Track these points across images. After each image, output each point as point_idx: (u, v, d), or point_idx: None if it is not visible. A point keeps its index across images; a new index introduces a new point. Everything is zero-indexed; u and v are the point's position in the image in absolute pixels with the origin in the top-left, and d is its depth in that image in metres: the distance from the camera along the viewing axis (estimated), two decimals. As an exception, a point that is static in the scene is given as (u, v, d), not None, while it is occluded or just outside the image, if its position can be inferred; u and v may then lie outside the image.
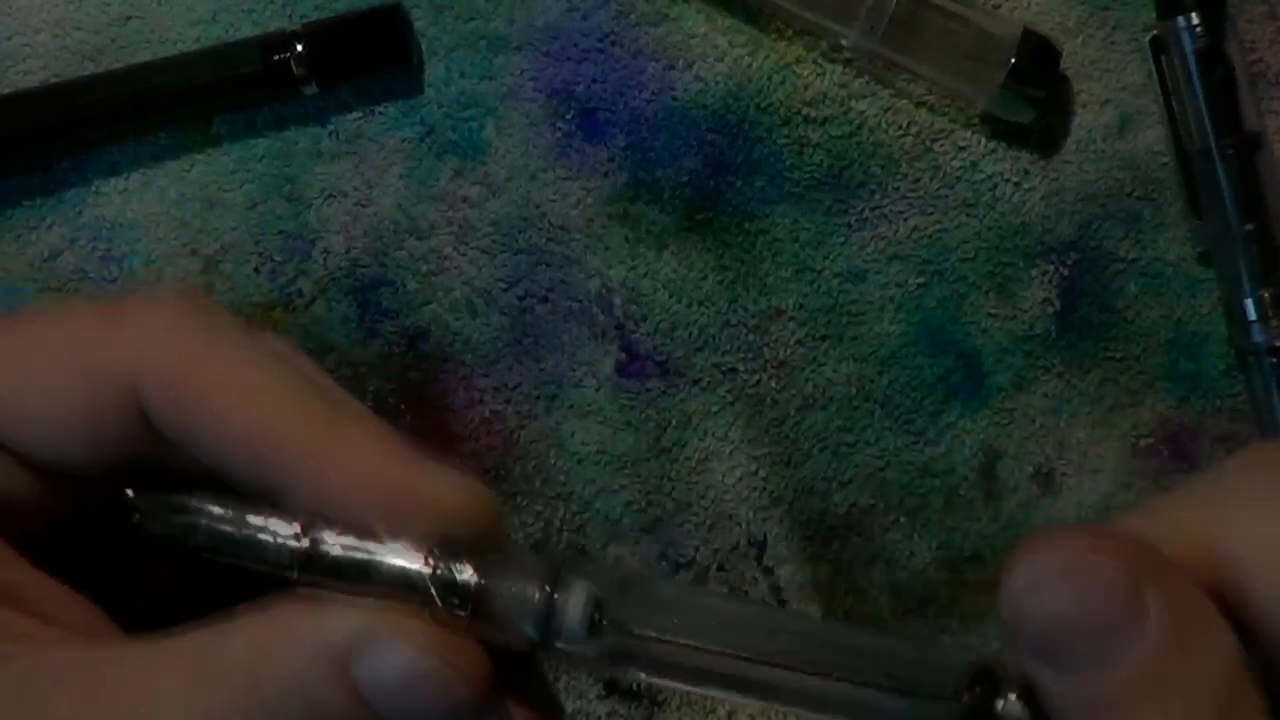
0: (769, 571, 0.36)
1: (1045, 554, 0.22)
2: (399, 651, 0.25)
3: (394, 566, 0.25)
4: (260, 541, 0.26)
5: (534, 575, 0.25)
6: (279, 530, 0.26)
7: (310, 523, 0.26)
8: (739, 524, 0.36)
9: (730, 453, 0.36)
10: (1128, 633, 0.22)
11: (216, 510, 0.26)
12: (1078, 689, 0.22)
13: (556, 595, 0.25)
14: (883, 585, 0.37)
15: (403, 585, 0.25)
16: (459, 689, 0.25)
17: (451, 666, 0.25)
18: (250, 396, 0.26)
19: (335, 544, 0.25)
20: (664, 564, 0.36)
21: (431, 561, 0.25)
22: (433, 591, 0.25)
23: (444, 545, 0.26)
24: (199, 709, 0.25)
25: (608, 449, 0.36)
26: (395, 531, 0.26)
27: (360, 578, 0.25)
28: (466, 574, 0.25)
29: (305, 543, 0.25)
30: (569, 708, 0.36)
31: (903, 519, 0.37)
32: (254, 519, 0.26)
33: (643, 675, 0.26)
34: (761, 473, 0.36)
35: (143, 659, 0.26)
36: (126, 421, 0.26)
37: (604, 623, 0.25)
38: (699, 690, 0.26)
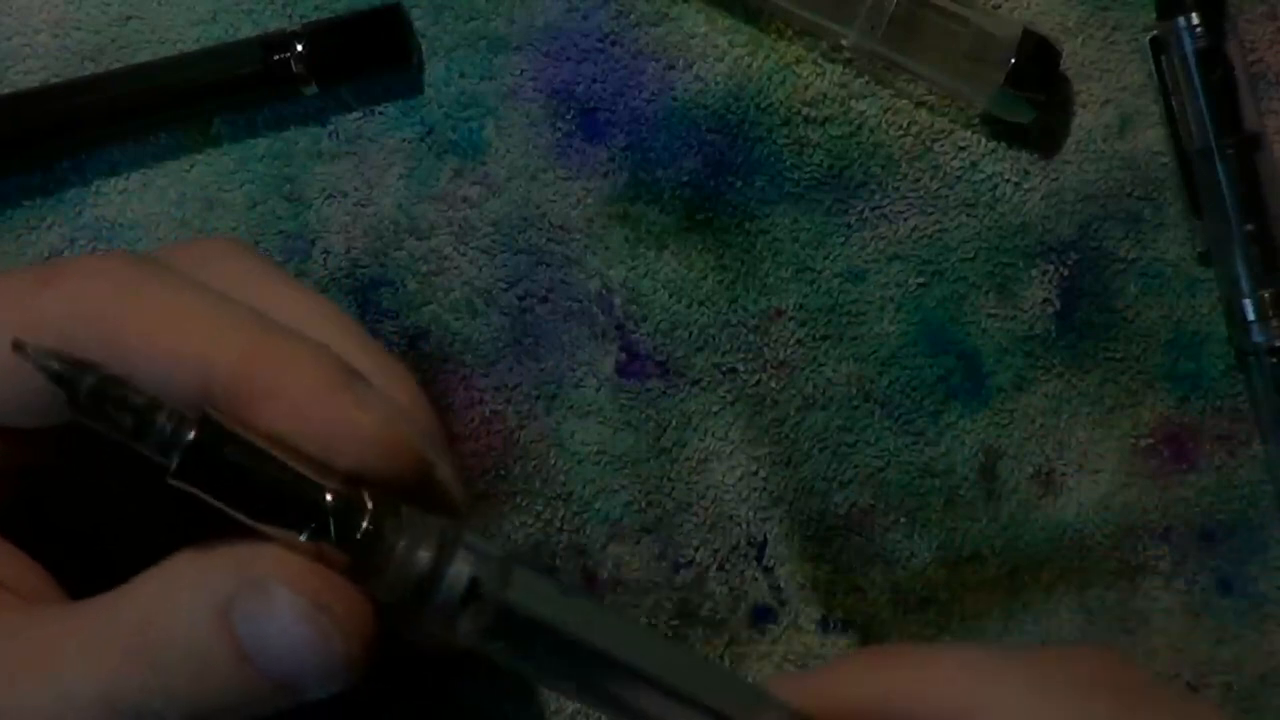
0: (769, 571, 0.37)
1: None
2: (278, 597, 0.24)
3: (281, 485, 0.24)
4: (144, 419, 0.23)
5: (424, 536, 0.25)
6: (168, 417, 0.23)
7: (208, 422, 0.23)
8: (739, 524, 0.36)
9: (730, 453, 0.36)
10: None
11: (110, 376, 0.24)
12: None
13: (442, 561, 0.24)
14: (883, 585, 0.37)
15: (287, 510, 0.24)
16: (340, 639, 0.24)
17: (334, 617, 0.24)
18: (178, 326, 0.25)
19: (226, 448, 0.23)
20: (664, 564, 0.36)
21: (327, 497, 0.24)
22: (322, 522, 0.24)
23: (343, 484, 0.24)
24: (99, 674, 0.24)
25: (608, 449, 0.36)
26: (298, 454, 0.24)
27: (240, 492, 0.24)
28: (360, 518, 0.24)
29: (192, 435, 0.23)
30: (569, 708, 0.36)
31: (903, 519, 0.37)
32: (144, 393, 0.23)
33: (506, 657, 0.25)
34: (761, 473, 0.36)
35: (53, 624, 0.25)
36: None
37: (481, 596, 0.24)
38: (550, 685, 0.25)
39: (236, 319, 0.25)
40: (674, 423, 0.36)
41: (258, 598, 0.24)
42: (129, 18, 0.36)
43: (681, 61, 0.37)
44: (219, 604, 0.24)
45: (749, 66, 0.37)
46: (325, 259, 0.36)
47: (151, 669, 0.24)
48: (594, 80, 0.37)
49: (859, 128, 0.37)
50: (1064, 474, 0.37)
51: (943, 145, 0.37)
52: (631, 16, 0.37)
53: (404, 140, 0.36)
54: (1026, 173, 0.37)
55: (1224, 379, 0.37)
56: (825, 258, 0.37)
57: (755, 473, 0.36)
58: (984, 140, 0.37)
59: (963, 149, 0.37)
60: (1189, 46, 0.36)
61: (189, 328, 0.25)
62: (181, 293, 0.26)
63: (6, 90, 0.36)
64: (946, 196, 0.37)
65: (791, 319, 0.37)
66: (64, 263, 0.27)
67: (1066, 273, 0.37)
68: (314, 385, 0.25)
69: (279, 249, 0.36)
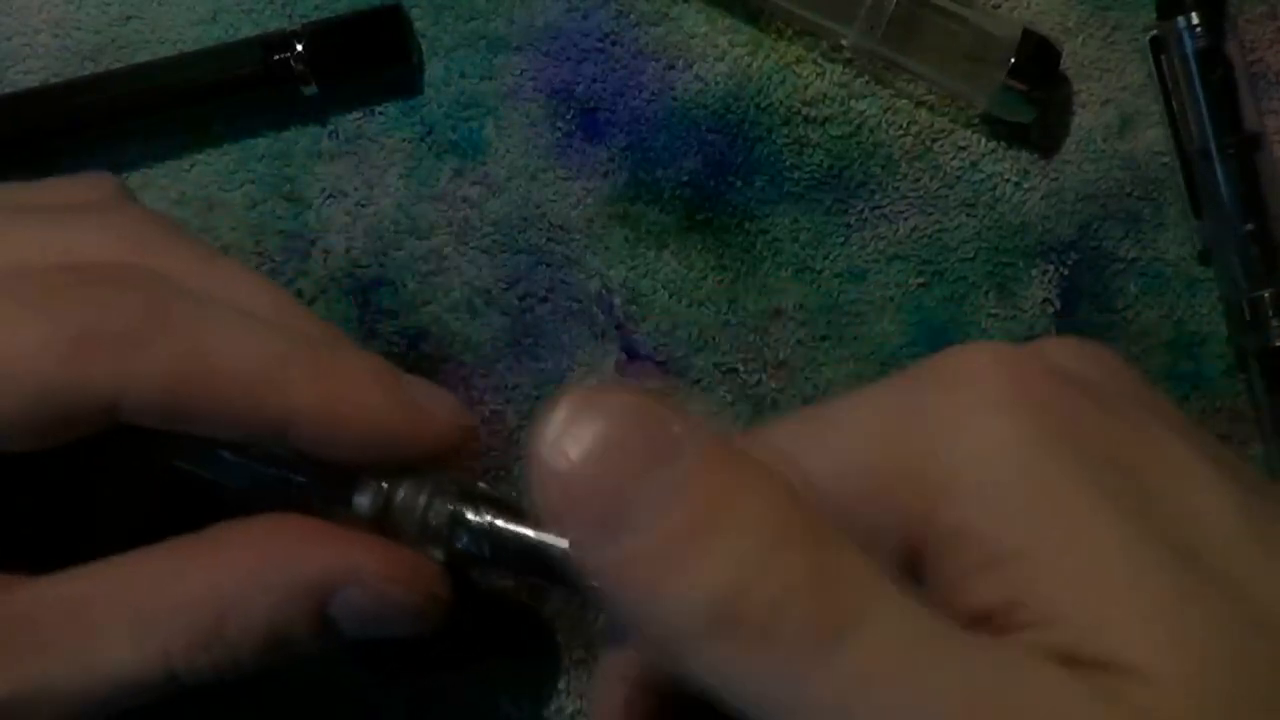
0: (769, 571, 0.36)
1: (569, 400, 0.19)
2: (376, 585, 0.26)
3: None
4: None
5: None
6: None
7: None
8: (739, 524, 0.36)
9: (730, 453, 0.36)
10: (661, 469, 0.19)
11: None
12: (612, 551, 0.19)
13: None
14: (883, 585, 0.37)
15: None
16: (428, 611, 0.26)
17: (422, 594, 0.26)
18: (250, 380, 0.26)
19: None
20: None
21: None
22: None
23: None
24: (156, 652, 0.24)
25: (608, 449, 0.36)
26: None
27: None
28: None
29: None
30: (569, 708, 0.36)
31: (903, 519, 0.37)
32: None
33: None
34: (761, 473, 0.36)
35: (76, 592, 0.25)
36: (99, 422, 0.25)
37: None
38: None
39: (299, 351, 0.26)
40: (674, 423, 0.36)
41: (356, 586, 0.25)
42: (129, 18, 0.36)
43: (681, 61, 0.37)
44: (313, 589, 0.25)
45: (749, 66, 0.37)
46: (325, 259, 0.36)
47: (226, 646, 0.25)
48: (594, 80, 0.37)
49: (859, 128, 0.37)
50: (1064, 474, 0.37)
51: (943, 145, 0.37)
52: (631, 16, 0.37)
53: (404, 140, 0.36)
54: (1026, 173, 0.37)
55: (1224, 379, 0.37)
56: (825, 258, 0.37)
57: (755, 473, 0.36)
58: (984, 140, 0.37)
59: (963, 149, 0.37)
60: (1189, 46, 0.36)
61: (257, 377, 0.26)
62: (224, 329, 0.26)
63: (6, 90, 0.36)
64: (946, 196, 0.37)
65: (791, 319, 0.37)
66: (78, 299, 0.26)
67: (1066, 273, 0.37)
68: (380, 404, 0.27)
69: (279, 249, 0.36)
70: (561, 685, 0.36)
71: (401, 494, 0.27)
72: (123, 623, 0.25)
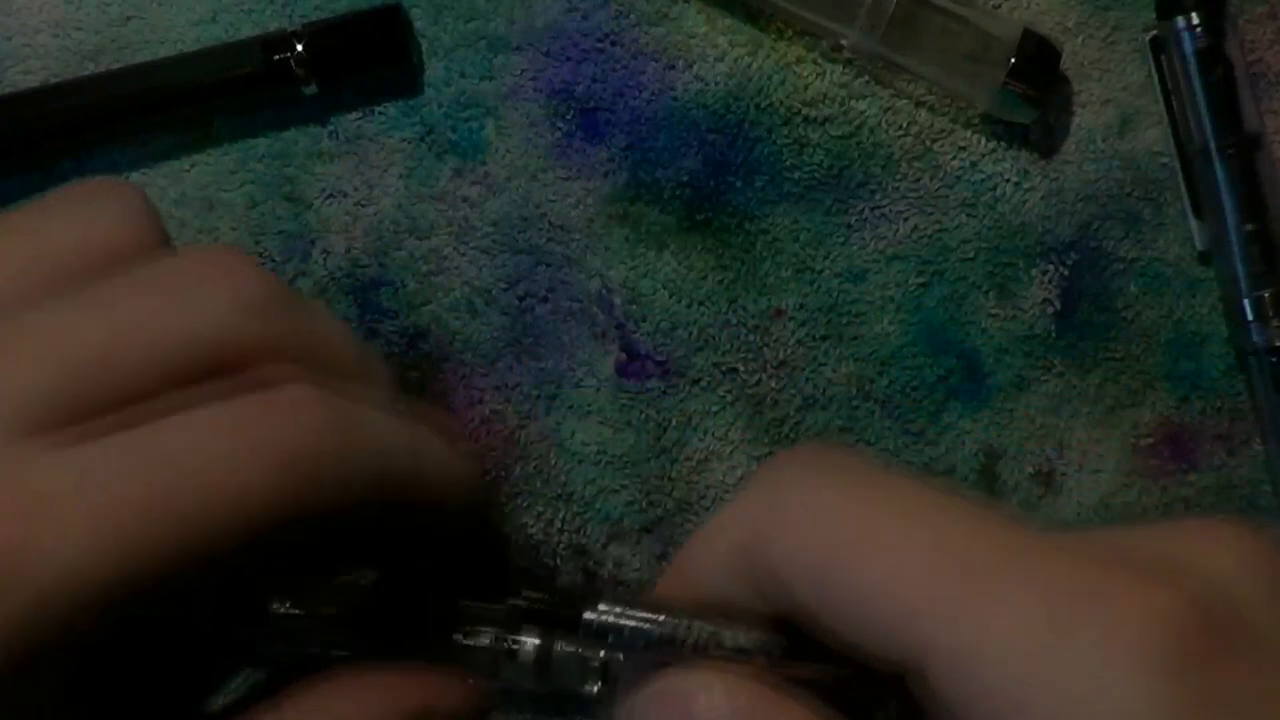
0: (769, 571, 0.36)
1: None
2: None
3: None
4: None
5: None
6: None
7: None
8: (739, 524, 0.36)
9: (730, 453, 0.36)
10: None
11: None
12: None
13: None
14: (883, 585, 0.37)
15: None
16: None
17: None
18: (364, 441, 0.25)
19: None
20: (664, 564, 0.36)
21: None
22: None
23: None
24: None
25: (608, 449, 0.36)
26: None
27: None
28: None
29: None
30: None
31: (903, 519, 0.37)
32: None
33: None
34: (761, 473, 0.36)
35: None
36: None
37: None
38: None
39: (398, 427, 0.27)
40: (674, 423, 0.36)
41: None
42: (129, 18, 0.36)
43: (681, 61, 0.37)
44: None
45: (749, 66, 0.37)
46: (325, 259, 0.36)
47: None
48: (594, 80, 0.37)
49: (859, 128, 0.37)
50: (1064, 474, 0.37)
51: (943, 145, 0.37)
52: (631, 16, 0.37)
53: (404, 140, 0.36)
54: (1026, 173, 0.37)
55: (1224, 379, 0.37)
56: (825, 258, 0.37)
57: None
58: (984, 140, 0.37)
59: (963, 149, 0.37)
60: (1189, 46, 0.36)
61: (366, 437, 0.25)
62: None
63: (6, 90, 0.36)
64: (946, 196, 0.37)
65: (791, 319, 0.37)
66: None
67: (1066, 273, 0.37)
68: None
69: (279, 249, 0.36)
70: (561, 685, 0.36)
71: (558, 645, 0.26)
72: None
